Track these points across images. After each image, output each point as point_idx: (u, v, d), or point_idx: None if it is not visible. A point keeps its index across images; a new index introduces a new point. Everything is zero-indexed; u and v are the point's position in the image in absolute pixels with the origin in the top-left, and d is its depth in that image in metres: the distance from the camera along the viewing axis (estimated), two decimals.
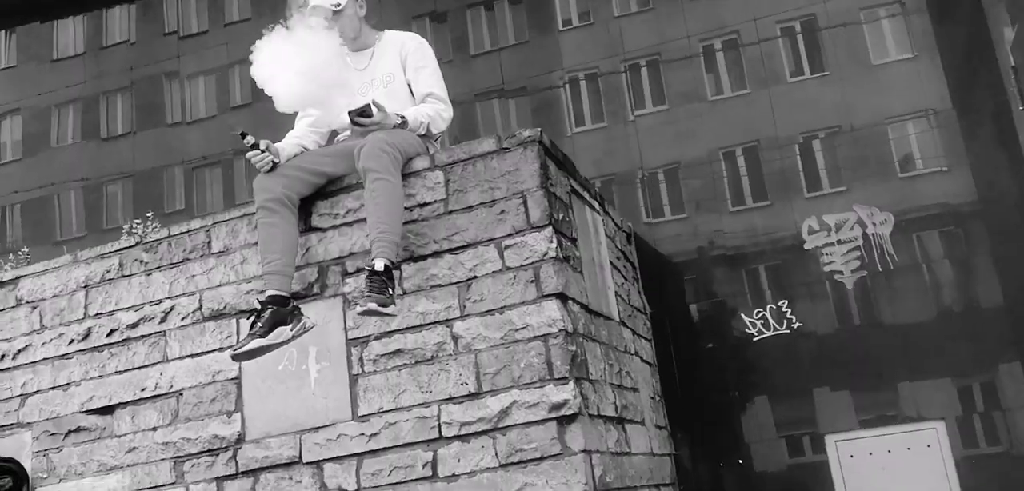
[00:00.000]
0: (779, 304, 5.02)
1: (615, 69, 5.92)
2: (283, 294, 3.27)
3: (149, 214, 4.84)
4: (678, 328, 5.20)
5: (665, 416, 4.85)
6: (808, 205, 5.10)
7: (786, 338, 4.97)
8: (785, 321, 4.98)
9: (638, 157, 5.75)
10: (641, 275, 5.15)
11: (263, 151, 3.47)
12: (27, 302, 4.14)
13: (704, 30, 5.78)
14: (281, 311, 3.22)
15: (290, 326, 3.23)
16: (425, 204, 3.53)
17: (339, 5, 3.64)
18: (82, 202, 7.37)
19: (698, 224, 5.43)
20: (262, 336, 3.15)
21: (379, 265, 3.14)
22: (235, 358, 3.18)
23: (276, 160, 3.52)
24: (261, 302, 3.23)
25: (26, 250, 5.72)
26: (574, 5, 6.27)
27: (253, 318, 3.22)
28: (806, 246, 5.03)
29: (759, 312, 5.06)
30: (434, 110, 3.69)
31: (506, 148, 3.46)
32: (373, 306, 3.03)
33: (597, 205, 4.30)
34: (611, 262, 4.36)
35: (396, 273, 3.34)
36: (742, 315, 5.11)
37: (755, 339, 5.04)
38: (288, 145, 3.69)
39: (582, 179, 4.11)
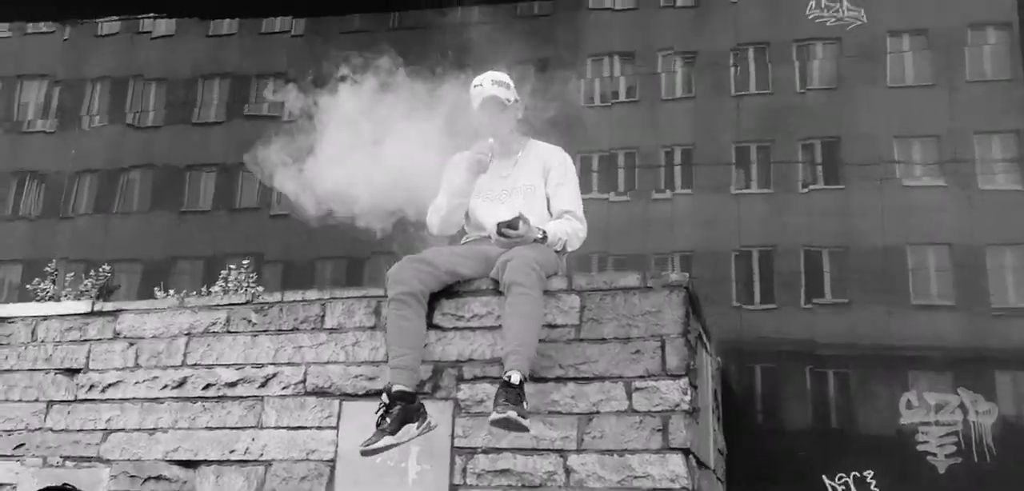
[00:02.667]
0: (864, 473, 4.87)
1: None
2: (411, 391, 3.20)
3: (246, 262, 4.80)
4: (754, 478, 5.05)
5: None
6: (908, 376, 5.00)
7: None
8: None
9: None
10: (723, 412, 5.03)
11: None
12: (125, 337, 4.08)
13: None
14: (409, 408, 3.15)
15: (417, 424, 3.16)
16: (555, 326, 3.45)
17: (509, 100, 3.65)
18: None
19: (784, 369, 5.33)
20: (392, 433, 3.07)
21: (515, 378, 3.07)
22: (364, 453, 3.09)
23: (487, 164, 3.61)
24: (390, 396, 3.15)
25: (107, 268, 5.68)
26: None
27: (381, 412, 3.14)
28: (901, 420, 4.89)
29: (841, 477, 4.91)
30: (572, 228, 3.65)
31: (650, 287, 3.39)
32: (512, 415, 2.94)
33: (710, 346, 4.21)
34: (711, 406, 4.25)
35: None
36: (822, 476, 4.96)
37: None
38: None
39: (704, 319, 4.03)
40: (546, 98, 6.40)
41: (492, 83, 3.72)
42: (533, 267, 3.27)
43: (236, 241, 6.72)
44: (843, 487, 4.90)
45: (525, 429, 2.99)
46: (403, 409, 3.10)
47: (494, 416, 2.97)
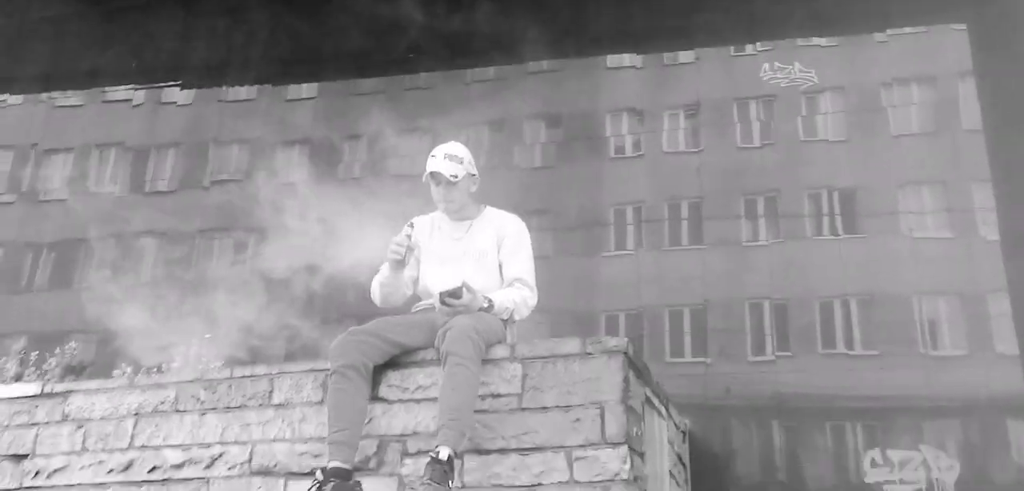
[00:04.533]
0: None
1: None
2: (347, 467, 3.16)
3: (208, 336, 4.77)
4: None
5: None
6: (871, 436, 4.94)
7: None
8: None
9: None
10: (691, 475, 4.98)
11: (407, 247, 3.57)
12: (73, 420, 4.04)
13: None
14: (343, 486, 3.10)
15: None
16: (499, 396, 3.43)
17: (456, 177, 3.68)
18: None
19: (752, 431, 5.28)
20: None
21: (443, 454, 3.03)
22: None
23: (405, 258, 3.61)
24: (324, 473, 3.11)
25: (73, 344, 5.65)
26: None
27: (314, 489, 3.09)
28: (867, 480, 4.83)
29: None
30: (520, 297, 3.65)
31: (590, 354, 3.38)
32: None
33: (664, 411, 4.18)
34: (669, 471, 4.21)
35: (458, 463, 3.22)
36: None
37: None
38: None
39: (655, 385, 4.00)
40: (559, 154, 6.43)
41: (444, 157, 3.75)
42: (471, 336, 3.26)
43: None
44: None
45: None
46: (337, 487, 3.06)
47: None
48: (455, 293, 3.44)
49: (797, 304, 5.56)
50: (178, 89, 7.54)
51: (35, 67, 7.57)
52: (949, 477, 4.70)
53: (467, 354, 3.22)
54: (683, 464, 4.83)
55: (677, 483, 4.45)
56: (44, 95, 7.71)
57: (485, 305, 3.53)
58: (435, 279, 3.69)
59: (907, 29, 6.26)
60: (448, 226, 3.82)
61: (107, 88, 7.74)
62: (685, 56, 6.42)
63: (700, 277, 5.83)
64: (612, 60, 6.58)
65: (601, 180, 6.34)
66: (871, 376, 5.27)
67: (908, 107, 5.92)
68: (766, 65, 5.80)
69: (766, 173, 5.94)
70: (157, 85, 7.54)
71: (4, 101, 7.88)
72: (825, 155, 5.99)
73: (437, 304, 3.52)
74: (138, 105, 7.63)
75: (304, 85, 7.41)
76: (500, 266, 3.74)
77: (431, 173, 3.73)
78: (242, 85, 7.45)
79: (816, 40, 6.10)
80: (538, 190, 6.42)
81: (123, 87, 7.62)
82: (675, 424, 4.58)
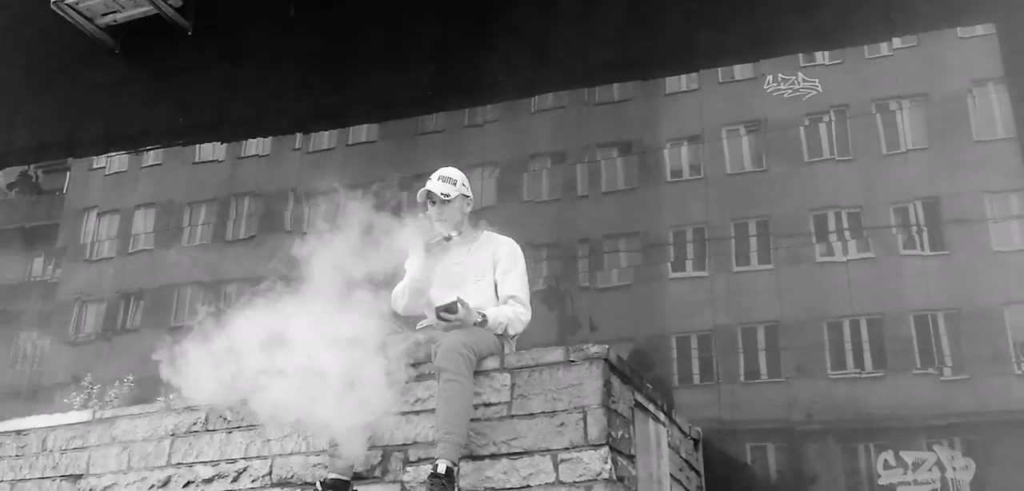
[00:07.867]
0: None
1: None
2: (344, 479, 3.44)
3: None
4: None
5: None
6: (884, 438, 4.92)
7: None
8: None
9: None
10: (707, 482, 5.07)
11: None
12: (120, 441, 4.44)
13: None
14: None
15: None
16: (490, 405, 3.67)
17: (447, 196, 3.96)
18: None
19: (774, 438, 5.27)
20: None
21: (441, 467, 3.30)
22: None
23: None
24: (322, 484, 3.40)
25: (131, 377, 6.11)
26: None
27: None
28: (880, 481, 4.85)
29: None
30: (514, 313, 3.90)
31: (572, 361, 3.59)
32: None
33: (663, 416, 4.33)
34: (672, 475, 4.35)
35: (456, 470, 3.46)
36: None
37: None
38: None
39: (648, 391, 4.17)
40: (626, 181, 6.34)
41: (438, 178, 4.05)
42: (460, 352, 3.51)
43: None
44: None
45: None
46: None
47: None
48: (450, 308, 3.70)
49: (878, 321, 5.25)
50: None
51: (95, 130, 8.11)
52: (964, 477, 4.69)
53: (457, 368, 3.47)
54: (695, 471, 4.95)
55: (685, 487, 4.57)
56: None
57: (479, 320, 3.78)
58: (437, 299, 3.96)
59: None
60: (451, 251, 4.08)
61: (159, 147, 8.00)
62: (741, 71, 6.21)
63: (771, 296, 5.58)
64: (671, 85, 6.50)
65: (659, 203, 6.13)
66: (962, 396, 4.98)
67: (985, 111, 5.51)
68: (768, 77, 5.80)
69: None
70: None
71: (103, 167, 8.29)
72: (899, 168, 5.65)
73: (433, 319, 3.79)
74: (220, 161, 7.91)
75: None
76: (495, 286, 3.99)
77: (427, 192, 4.02)
78: (276, 134, 7.61)
79: (883, 47, 5.81)
80: (601, 217, 6.31)
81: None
82: (681, 430, 4.71)
